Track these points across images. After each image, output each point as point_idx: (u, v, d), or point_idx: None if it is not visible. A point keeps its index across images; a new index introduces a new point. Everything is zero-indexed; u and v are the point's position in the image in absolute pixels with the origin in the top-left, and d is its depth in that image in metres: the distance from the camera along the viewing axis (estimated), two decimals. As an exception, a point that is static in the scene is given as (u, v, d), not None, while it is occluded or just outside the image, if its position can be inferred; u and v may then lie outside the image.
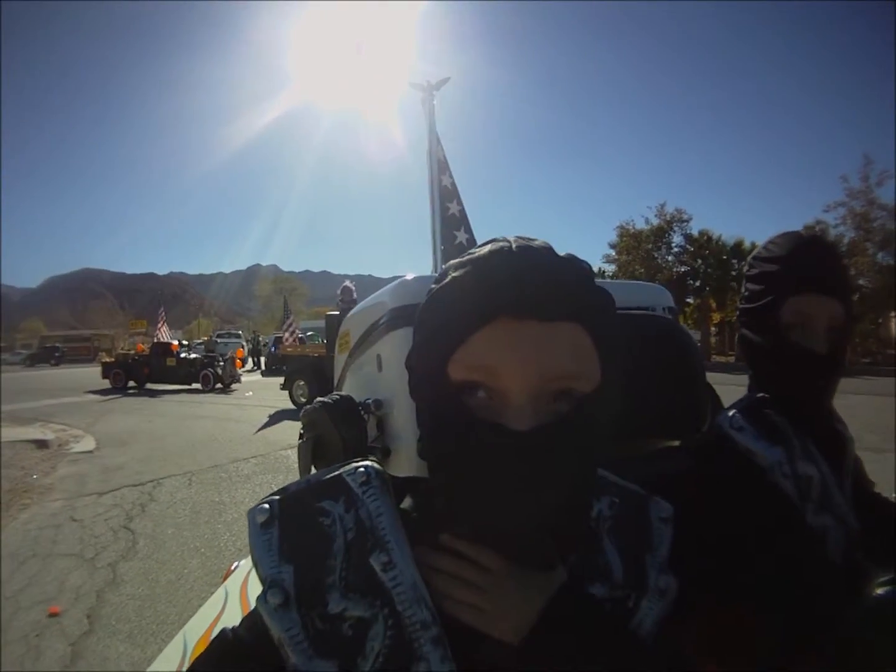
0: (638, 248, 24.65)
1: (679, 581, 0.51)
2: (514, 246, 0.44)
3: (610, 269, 27.16)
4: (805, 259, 0.78)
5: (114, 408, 11.76)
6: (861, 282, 20.14)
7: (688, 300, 22.58)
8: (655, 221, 24.55)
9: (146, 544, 3.93)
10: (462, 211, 3.21)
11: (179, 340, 19.31)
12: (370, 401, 0.88)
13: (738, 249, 23.67)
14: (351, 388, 1.09)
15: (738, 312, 0.87)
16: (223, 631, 0.48)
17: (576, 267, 0.46)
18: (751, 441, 0.76)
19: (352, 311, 1.13)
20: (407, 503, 0.53)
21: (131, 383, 16.01)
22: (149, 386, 15.90)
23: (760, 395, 0.81)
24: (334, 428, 0.81)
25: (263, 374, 18.54)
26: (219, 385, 15.16)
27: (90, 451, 7.13)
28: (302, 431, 0.87)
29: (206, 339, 27.56)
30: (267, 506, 0.45)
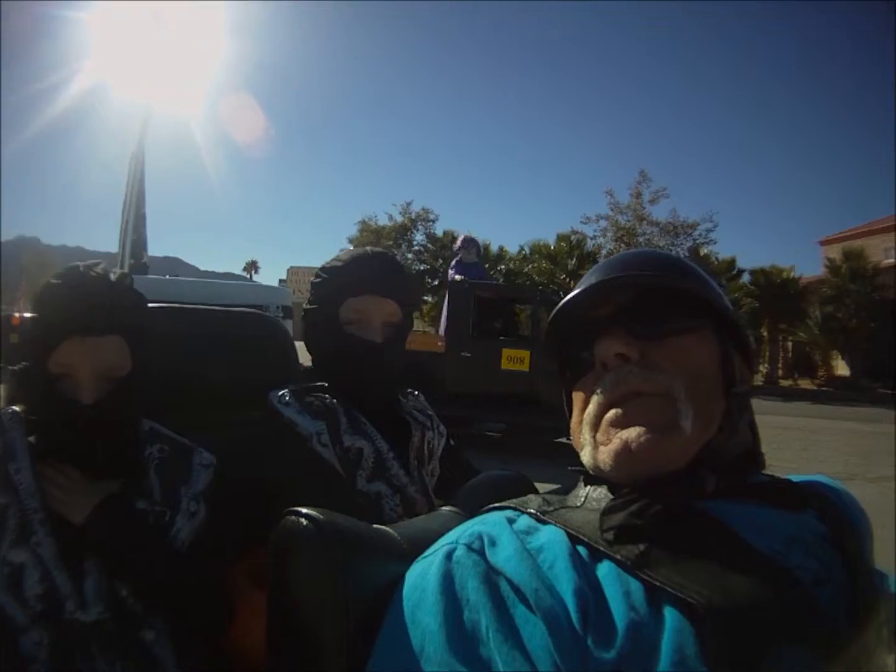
0: (377, 244, 21.90)
1: (231, 517, 0.77)
2: (90, 272, 0.75)
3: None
4: (362, 267, 0.93)
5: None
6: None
7: (426, 298, 21.28)
8: (400, 219, 23.14)
9: None
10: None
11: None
12: None
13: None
14: None
15: (303, 313, 0.99)
16: None
17: (124, 288, 0.77)
18: (294, 414, 0.88)
19: None
20: (35, 435, 0.78)
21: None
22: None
23: (318, 383, 0.92)
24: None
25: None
26: None
27: None
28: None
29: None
30: None
